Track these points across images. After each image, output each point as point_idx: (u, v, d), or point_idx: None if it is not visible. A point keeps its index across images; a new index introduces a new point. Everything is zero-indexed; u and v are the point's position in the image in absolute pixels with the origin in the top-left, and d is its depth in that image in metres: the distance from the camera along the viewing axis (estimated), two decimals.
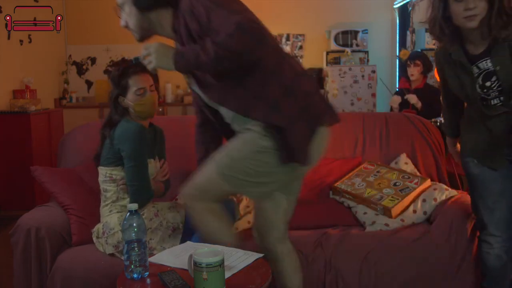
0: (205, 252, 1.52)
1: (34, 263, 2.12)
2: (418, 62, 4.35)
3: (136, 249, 1.60)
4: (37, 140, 4.83)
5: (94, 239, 2.15)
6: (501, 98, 1.74)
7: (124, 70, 2.11)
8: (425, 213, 2.36)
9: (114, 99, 2.12)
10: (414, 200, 2.40)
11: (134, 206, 1.66)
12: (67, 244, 2.20)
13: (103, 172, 2.13)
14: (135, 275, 1.60)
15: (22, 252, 2.13)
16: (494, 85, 1.74)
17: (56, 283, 2.05)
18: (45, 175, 2.35)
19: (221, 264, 1.48)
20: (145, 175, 2.08)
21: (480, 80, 1.77)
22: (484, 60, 1.76)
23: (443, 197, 2.37)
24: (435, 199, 2.37)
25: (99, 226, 2.13)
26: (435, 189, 2.41)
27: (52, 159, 5.01)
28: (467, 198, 2.33)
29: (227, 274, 1.57)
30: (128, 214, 1.65)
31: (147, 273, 1.62)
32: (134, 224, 1.62)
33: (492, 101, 1.77)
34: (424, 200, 2.38)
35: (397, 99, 4.40)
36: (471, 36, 1.79)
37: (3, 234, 3.84)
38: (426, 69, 4.39)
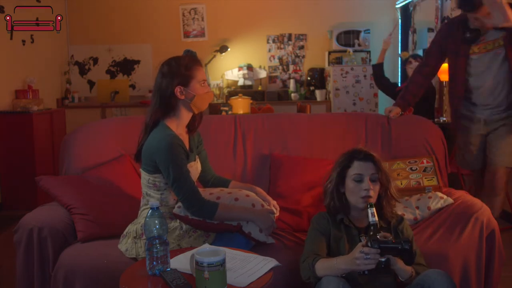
0: (206, 252, 1.53)
1: (36, 262, 2.12)
2: (419, 59, 4.59)
3: (158, 245, 1.63)
4: (40, 140, 4.85)
5: (125, 240, 2.11)
6: (366, 271, 1.80)
7: (191, 60, 2.10)
8: (415, 219, 2.34)
9: (171, 89, 2.05)
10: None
11: (156, 203, 1.68)
12: (69, 244, 2.20)
13: (146, 177, 2.10)
14: (156, 271, 1.63)
15: (25, 252, 2.13)
16: None
17: (58, 280, 2.05)
18: (50, 183, 2.36)
19: (222, 263, 1.48)
20: (190, 184, 2.02)
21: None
22: (364, 236, 1.89)
23: (438, 206, 2.34)
24: (428, 208, 2.35)
25: (137, 227, 2.07)
26: (429, 198, 2.39)
27: (54, 159, 5.03)
28: (465, 201, 2.31)
29: (250, 279, 1.58)
30: (150, 211, 1.67)
31: (169, 269, 1.65)
32: (156, 221, 1.65)
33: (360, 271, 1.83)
34: (417, 207, 2.37)
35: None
36: (356, 212, 1.94)
37: (6, 233, 3.85)
38: None
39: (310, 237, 1.91)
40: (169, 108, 2.09)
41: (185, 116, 2.13)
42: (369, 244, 1.64)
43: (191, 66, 2.08)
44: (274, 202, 2.25)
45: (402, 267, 1.75)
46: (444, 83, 4.60)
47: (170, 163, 1.99)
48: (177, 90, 2.05)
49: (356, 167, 1.89)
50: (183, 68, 2.06)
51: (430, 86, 4.58)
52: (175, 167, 1.99)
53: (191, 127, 2.21)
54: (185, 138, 2.14)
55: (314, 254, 1.81)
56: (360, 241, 1.83)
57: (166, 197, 2.10)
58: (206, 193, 2.10)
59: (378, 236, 1.70)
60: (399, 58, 6.40)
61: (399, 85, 4.98)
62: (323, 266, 1.74)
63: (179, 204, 2.06)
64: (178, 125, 2.12)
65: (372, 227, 1.77)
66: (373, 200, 1.86)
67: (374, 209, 1.79)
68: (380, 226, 1.89)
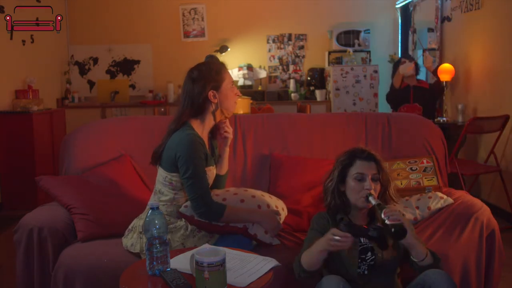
0: (206, 252, 1.53)
1: (36, 262, 2.12)
2: (411, 59, 4.77)
3: (158, 245, 1.63)
4: (40, 140, 4.85)
5: (131, 234, 2.11)
6: (366, 271, 1.82)
7: (219, 64, 2.15)
8: (415, 219, 2.34)
9: (205, 94, 2.08)
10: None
11: (156, 203, 1.69)
12: (69, 244, 2.20)
13: (163, 175, 2.10)
14: (156, 271, 1.63)
15: (25, 252, 2.13)
16: (369, 258, 1.84)
17: (59, 280, 2.05)
18: (50, 183, 2.37)
19: (222, 263, 1.48)
20: (203, 185, 2.03)
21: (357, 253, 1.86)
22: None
23: (438, 205, 2.34)
24: (428, 208, 2.35)
25: (143, 222, 2.07)
26: (429, 198, 2.39)
27: (54, 159, 5.03)
28: (465, 201, 2.31)
29: (250, 279, 1.58)
30: (150, 211, 1.67)
31: (169, 269, 1.65)
32: (156, 222, 1.65)
33: (360, 271, 1.84)
34: (417, 207, 2.37)
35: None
36: (355, 212, 1.93)
37: (6, 233, 3.85)
38: (418, 69, 4.79)
39: (309, 238, 1.91)
40: (198, 112, 2.12)
41: (212, 120, 2.16)
42: (340, 227, 1.67)
43: (221, 70, 2.13)
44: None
45: (417, 242, 1.76)
46: (444, 83, 4.61)
47: (188, 160, 2.00)
48: (211, 94, 2.09)
49: (358, 166, 1.89)
50: (214, 73, 2.11)
51: (440, 85, 4.62)
52: (193, 165, 2.01)
53: (214, 133, 2.24)
54: (208, 142, 2.17)
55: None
56: (360, 240, 1.84)
57: (179, 197, 2.10)
58: (212, 193, 2.11)
59: (384, 214, 1.71)
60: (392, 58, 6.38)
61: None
62: (305, 255, 1.76)
63: (186, 203, 2.06)
64: (203, 129, 2.14)
65: (377, 207, 1.77)
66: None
67: (373, 195, 1.82)
68: (369, 223, 1.90)
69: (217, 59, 2.20)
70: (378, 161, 1.90)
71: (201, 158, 2.04)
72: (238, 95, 2.19)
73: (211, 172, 2.15)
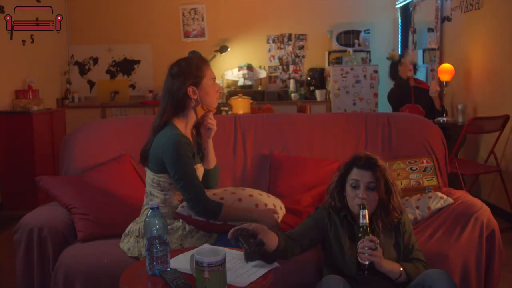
0: (206, 252, 1.53)
1: (36, 262, 2.13)
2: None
3: (158, 245, 1.63)
4: (40, 140, 4.85)
5: (127, 238, 2.10)
6: (366, 272, 1.82)
7: (200, 59, 2.13)
8: (415, 219, 2.33)
9: (184, 90, 2.06)
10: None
11: (156, 203, 1.69)
12: (69, 244, 2.20)
13: (151, 176, 2.09)
14: (156, 271, 1.63)
15: (25, 252, 2.13)
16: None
17: (58, 280, 2.05)
18: (50, 183, 2.37)
19: (222, 263, 1.48)
20: (196, 184, 2.02)
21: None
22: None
23: (438, 206, 2.34)
24: (428, 208, 2.35)
25: (140, 226, 2.06)
26: (429, 198, 2.39)
27: (54, 159, 5.03)
28: (465, 201, 2.31)
29: (250, 279, 1.58)
30: (150, 211, 1.67)
31: (169, 269, 1.65)
32: (156, 222, 1.65)
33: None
34: (417, 207, 2.36)
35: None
36: (355, 214, 1.92)
37: (6, 233, 3.85)
38: (415, 68, 4.83)
39: (302, 223, 1.94)
40: (179, 109, 2.09)
41: (194, 116, 2.14)
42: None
43: (201, 66, 2.10)
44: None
45: (388, 269, 1.77)
46: (444, 83, 4.61)
47: (177, 161, 1.99)
48: (190, 90, 2.07)
49: (355, 174, 1.89)
50: (194, 68, 2.08)
51: (441, 86, 4.64)
52: (182, 165, 1.99)
53: (199, 130, 2.22)
54: (192, 140, 2.15)
55: (288, 235, 1.86)
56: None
57: (170, 198, 2.10)
58: (209, 193, 2.10)
59: (359, 245, 1.73)
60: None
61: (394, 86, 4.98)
62: None
63: (183, 204, 2.06)
64: (187, 126, 2.13)
65: (361, 229, 1.77)
66: (369, 209, 1.84)
67: (366, 211, 1.79)
68: (369, 227, 1.87)
69: (199, 55, 2.19)
70: (378, 170, 1.87)
71: (189, 157, 2.02)
72: (219, 92, 2.16)
73: (199, 170, 2.14)
